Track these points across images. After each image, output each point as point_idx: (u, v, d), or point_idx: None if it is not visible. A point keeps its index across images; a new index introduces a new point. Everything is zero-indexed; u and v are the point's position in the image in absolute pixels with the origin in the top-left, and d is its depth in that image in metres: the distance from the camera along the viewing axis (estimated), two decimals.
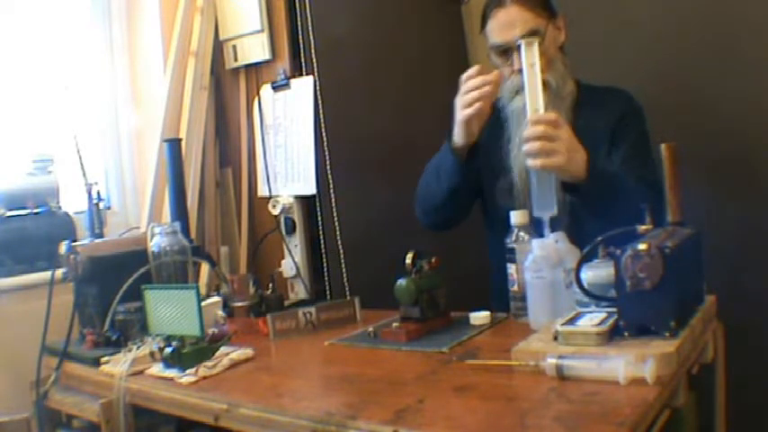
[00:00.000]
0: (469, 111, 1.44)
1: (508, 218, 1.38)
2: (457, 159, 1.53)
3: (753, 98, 1.68)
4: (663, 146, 1.20)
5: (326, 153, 1.94)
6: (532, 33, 1.46)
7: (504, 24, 1.51)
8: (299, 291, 2.00)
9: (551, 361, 0.98)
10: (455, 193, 1.57)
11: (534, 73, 1.32)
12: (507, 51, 1.52)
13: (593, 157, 1.35)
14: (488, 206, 1.67)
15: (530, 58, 1.33)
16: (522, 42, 1.34)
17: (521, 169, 1.53)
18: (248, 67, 2.10)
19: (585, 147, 1.35)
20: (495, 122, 1.62)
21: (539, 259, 1.23)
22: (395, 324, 1.35)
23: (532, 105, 1.32)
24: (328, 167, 1.94)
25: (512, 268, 1.34)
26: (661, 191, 1.30)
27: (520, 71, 1.43)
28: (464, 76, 1.46)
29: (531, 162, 1.30)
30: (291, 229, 1.99)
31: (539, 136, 1.28)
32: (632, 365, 0.91)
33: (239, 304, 1.60)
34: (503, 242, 1.38)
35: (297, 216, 2.00)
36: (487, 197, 1.66)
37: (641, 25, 1.83)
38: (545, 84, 1.46)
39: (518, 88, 1.50)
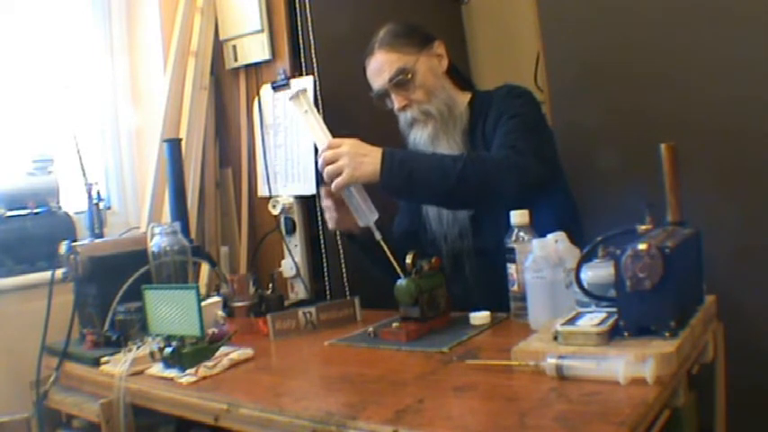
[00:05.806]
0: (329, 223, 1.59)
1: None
2: (357, 250, 1.62)
3: (753, 97, 1.68)
4: (663, 146, 1.20)
5: None
6: (401, 72, 1.54)
7: (375, 71, 1.58)
8: (299, 291, 2.00)
9: (551, 361, 0.98)
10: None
11: (309, 118, 1.45)
12: (387, 94, 1.57)
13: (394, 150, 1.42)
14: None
15: (301, 108, 1.45)
16: (291, 99, 1.46)
17: None
18: (248, 67, 2.10)
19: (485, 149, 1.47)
20: None
21: (539, 259, 1.23)
22: (395, 324, 1.35)
23: (318, 145, 1.45)
24: None
25: (512, 268, 1.34)
26: (522, 153, 1.40)
27: (401, 109, 1.56)
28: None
29: (331, 188, 1.40)
30: (291, 229, 1.99)
31: (322, 164, 1.40)
32: (632, 365, 0.91)
33: (239, 304, 1.60)
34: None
35: (297, 216, 2.00)
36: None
37: (641, 24, 1.83)
38: (426, 114, 1.56)
39: (411, 122, 1.59)
